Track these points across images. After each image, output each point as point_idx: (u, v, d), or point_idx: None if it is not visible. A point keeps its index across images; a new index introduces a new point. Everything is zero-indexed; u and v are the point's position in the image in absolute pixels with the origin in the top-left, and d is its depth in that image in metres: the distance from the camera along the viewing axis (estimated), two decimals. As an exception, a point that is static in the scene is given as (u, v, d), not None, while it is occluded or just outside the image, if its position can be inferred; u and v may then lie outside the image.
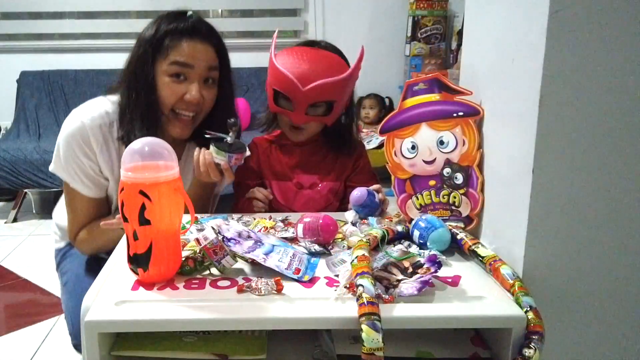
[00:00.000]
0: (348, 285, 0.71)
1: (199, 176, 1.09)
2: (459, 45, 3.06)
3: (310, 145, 1.21)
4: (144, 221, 0.70)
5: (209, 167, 1.07)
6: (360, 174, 1.22)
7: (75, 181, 1.10)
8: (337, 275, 0.75)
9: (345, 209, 1.13)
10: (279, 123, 1.21)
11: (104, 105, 1.12)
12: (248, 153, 1.13)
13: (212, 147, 1.07)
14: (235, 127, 1.06)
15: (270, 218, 1.01)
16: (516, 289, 0.69)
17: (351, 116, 1.22)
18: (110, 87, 1.17)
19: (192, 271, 0.77)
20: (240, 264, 0.79)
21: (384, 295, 0.68)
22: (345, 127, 1.21)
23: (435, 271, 0.72)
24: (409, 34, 3.25)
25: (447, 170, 0.90)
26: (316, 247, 0.84)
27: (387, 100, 3.34)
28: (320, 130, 1.19)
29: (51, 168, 1.12)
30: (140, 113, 1.09)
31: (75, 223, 1.13)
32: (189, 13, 1.11)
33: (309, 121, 1.13)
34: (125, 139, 1.09)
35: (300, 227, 0.87)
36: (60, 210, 1.23)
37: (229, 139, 1.07)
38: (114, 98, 1.14)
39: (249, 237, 0.82)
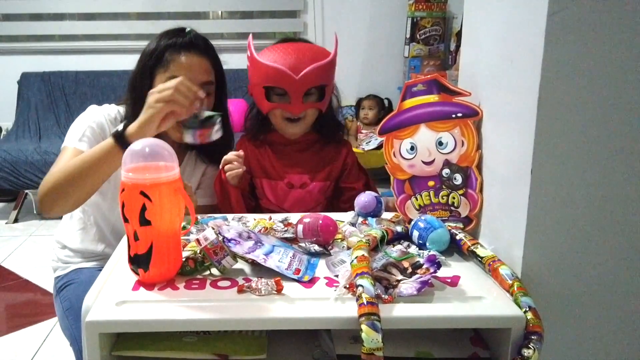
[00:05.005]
0: (348, 286, 0.71)
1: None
2: (458, 46, 3.06)
3: (300, 143, 1.24)
4: (144, 222, 0.71)
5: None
6: (350, 172, 1.26)
7: (80, 140, 1.10)
8: (336, 276, 0.76)
9: (335, 209, 1.19)
10: (271, 122, 1.23)
11: (117, 107, 1.21)
12: (217, 130, 1.05)
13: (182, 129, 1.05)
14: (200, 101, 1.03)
15: (270, 219, 1.02)
16: (515, 289, 0.69)
17: (331, 102, 1.26)
18: (118, 101, 1.24)
19: (192, 271, 0.77)
20: (240, 265, 0.80)
21: (383, 296, 0.69)
22: (329, 114, 1.25)
23: (435, 271, 0.72)
24: (408, 35, 3.25)
25: (446, 171, 0.91)
26: (316, 248, 0.85)
27: (386, 102, 3.34)
28: (312, 123, 1.23)
29: (64, 144, 1.13)
30: None
31: (53, 169, 1.07)
32: (188, 29, 1.18)
33: (307, 109, 1.18)
34: None
35: (300, 227, 0.87)
36: (61, 235, 1.23)
37: (201, 114, 1.03)
38: (122, 109, 1.21)
39: (249, 237, 0.82)
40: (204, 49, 1.16)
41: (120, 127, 1.01)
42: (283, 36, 3.56)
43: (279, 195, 1.20)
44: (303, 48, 1.17)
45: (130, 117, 1.15)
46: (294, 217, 1.00)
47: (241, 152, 1.15)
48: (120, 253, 0.84)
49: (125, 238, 0.78)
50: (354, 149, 2.98)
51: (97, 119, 1.15)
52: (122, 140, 0.99)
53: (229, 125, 1.28)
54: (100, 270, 0.81)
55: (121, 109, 1.19)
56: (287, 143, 1.23)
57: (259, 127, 1.25)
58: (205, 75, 1.15)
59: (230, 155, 1.14)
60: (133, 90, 1.16)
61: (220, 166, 1.15)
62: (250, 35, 1.22)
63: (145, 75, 1.14)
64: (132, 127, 1.00)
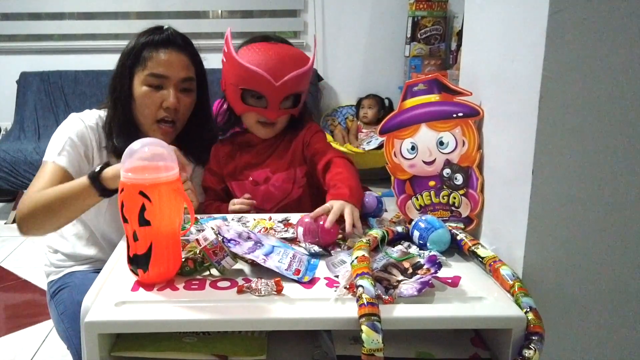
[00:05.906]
0: (348, 286, 0.71)
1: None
2: (459, 46, 3.06)
3: (270, 139, 1.21)
4: (143, 222, 0.71)
5: None
6: (310, 142, 1.19)
7: (60, 154, 1.09)
8: (337, 276, 0.76)
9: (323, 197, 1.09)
10: (244, 123, 1.21)
11: (98, 112, 1.18)
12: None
13: None
14: None
15: (270, 219, 1.01)
16: (516, 289, 0.69)
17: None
18: (101, 104, 1.22)
19: (192, 272, 0.77)
20: (240, 265, 0.79)
21: (383, 296, 0.69)
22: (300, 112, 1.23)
23: (435, 272, 0.72)
24: (409, 35, 3.25)
25: (446, 171, 0.91)
26: (316, 248, 0.84)
27: (386, 101, 3.34)
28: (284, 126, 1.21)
29: (44, 158, 1.11)
30: (122, 122, 1.13)
31: (33, 187, 1.06)
32: (165, 27, 1.16)
33: (282, 115, 1.16)
34: (110, 148, 1.13)
35: (300, 229, 0.87)
36: (53, 240, 1.22)
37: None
38: (103, 113, 1.19)
39: (249, 238, 0.82)
40: (182, 45, 1.14)
41: (97, 168, 0.97)
42: (283, 35, 3.58)
43: (249, 194, 1.18)
44: (283, 52, 1.13)
45: (111, 119, 1.14)
46: (294, 217, 0.99)
47: (253, 202, 1.14)
48: (119, 253, 0.84)
49: (124, 238, 0.78)
50: (354, 149, 3.01)
51: (77, 129, 1.12)
52: (96, 182, 0.97)
53: (213, 123, 1.26)
54: (94, 273, 0.80)
55: (102, 113, 1.17)
56: (258, 142, 1.21)
57: (232, 123, 1.23)
58: (185, 71, 1.14)
59: (240, 206, 1.13)
60: (113, 91, 1.15)
61: (230, 210, 1.14)
62: (229, 30, 1.16)
63: (124, 75, 1.13)
64: (108, 172, 0.97)
